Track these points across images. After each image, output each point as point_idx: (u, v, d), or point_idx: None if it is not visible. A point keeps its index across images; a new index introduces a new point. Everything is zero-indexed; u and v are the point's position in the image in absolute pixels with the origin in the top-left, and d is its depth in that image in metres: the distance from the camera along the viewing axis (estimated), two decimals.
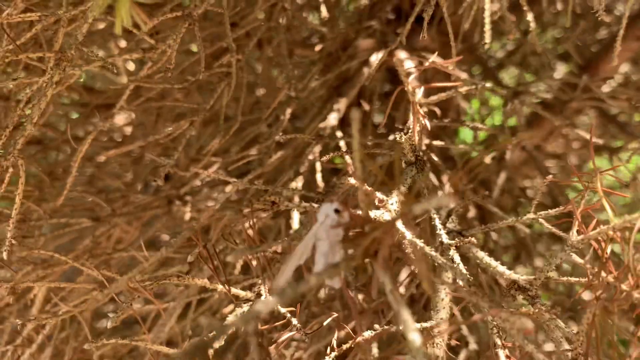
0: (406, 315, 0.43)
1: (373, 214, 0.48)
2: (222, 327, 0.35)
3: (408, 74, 0.52)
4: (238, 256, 0.48)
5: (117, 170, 1.27)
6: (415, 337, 0.41)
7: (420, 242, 0.46)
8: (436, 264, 0.58)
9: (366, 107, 1.26)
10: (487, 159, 1.27)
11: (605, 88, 1.29)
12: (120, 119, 1.34)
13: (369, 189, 0.50)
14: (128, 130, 1.32)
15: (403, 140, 0.66)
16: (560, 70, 1.48)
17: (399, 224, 0.43)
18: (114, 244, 1.02)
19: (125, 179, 1.25)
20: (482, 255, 0.78)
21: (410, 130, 0.64)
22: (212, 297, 0.81)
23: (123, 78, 1.35)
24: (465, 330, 0.75)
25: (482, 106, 1.52)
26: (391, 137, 1.05)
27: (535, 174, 1.51)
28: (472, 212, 1.24)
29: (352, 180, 0.60)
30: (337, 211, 0.48)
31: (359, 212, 0.46)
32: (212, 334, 0.34)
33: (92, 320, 0.94)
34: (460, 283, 0.52)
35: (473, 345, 0.79)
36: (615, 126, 1.28)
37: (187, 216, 1.16)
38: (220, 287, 0.60)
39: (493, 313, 0.42)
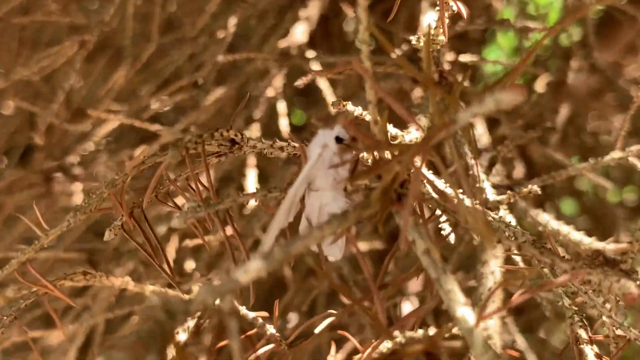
0: (451, 283, 0.45)
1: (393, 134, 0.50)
2: (185, 305, 0.37)
3: None
4: (187, 216, 0.49)
5: None
6: (466, 314, 0.44)
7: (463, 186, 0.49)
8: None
9: (349, 12, 1.28)
10: (539, 85, 1.31)
11: None
12: None
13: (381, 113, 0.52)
14: None
15: (421, 42, 0.68)
16: None
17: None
18: None
19: None
20: (547, 218, 0.83)
21: (434, 27, 0.66)
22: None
23: None
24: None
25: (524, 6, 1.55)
26: (398, 51, 1.08)
27: (611, 110, 1.57)
28: (518, 169, 1.29)
29: (350, 107, 0.62)
30: (339, 140, 0.49)
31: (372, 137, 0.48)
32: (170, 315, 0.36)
33: None
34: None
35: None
36: None
37: (79, 199, 1.16)
38: (152, 286, 0.61)
39: (579, 274, 0.44)
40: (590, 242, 0.74)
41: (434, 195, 0.53)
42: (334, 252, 0.55)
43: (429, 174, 0.63)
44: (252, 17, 1.31)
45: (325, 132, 0.50)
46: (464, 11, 0.59)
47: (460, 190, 0.51)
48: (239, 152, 0.58)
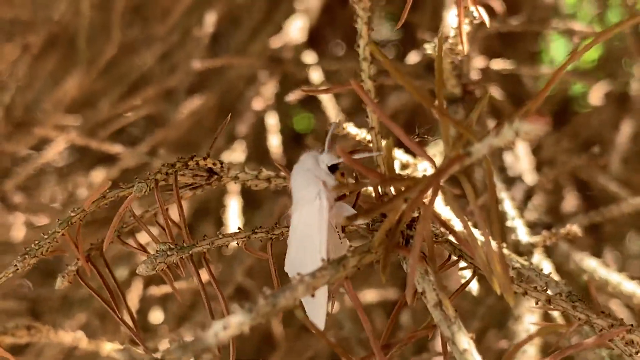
0: (466, 342, 0.50)
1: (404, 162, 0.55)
2: None
3: None
4: (156, 262, 0.53)
5: None
6: None
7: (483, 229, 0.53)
8: (511, 267, 0.65)
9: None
10: (594, 97, 1.35)
11: None
12: None
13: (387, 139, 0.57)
14: None
15: (437, 51, 0.73)
16: None
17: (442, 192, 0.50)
18: None
19: None
20: (593, 264, 0.87)
21: (453, 35, 0.71)
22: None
23: None
24: None
25: None
26: (413, 56, 1.13)
27: None
28: (570, 200, 1.33)
29: (352, 129, 0.66)
30: (333, 169, 0.54)
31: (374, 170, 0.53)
32: None
33: None
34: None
35: None
36: None
37: (19, 232, 1.21)
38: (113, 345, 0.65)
39: (614, 333, 0.49)
40: None
41: (451, 237, 0.58)
42: (316, 314, 0.57)
43: (446, 211, 0.67)
44: (237, 9, 1.35)
45: (311, 155, 0.55)
46: (486, 18, 0.64)
47: (478, 231, 0.55)
48: (217, 183, 0.62)
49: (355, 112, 1.15)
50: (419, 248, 0.48)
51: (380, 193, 0.57)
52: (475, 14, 0.65)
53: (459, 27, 0.66)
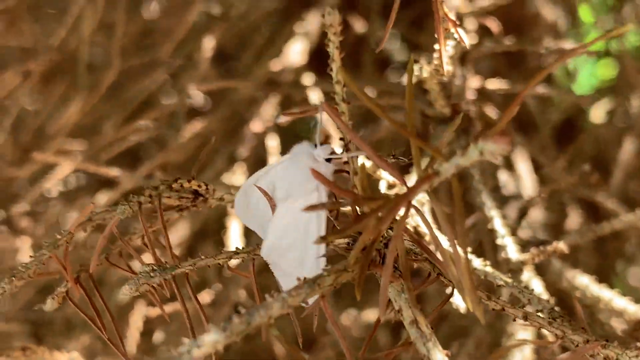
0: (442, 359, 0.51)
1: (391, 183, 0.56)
2: None
3: None
4: (139, 283, 0.55)
5: None
6: None
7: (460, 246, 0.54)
8: (496, 285, 0.66)
9: (358, 26, 1.35)
10: (596, 115, 1.36)
11: None
12: None
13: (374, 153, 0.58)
14: None
15: (424, 72, 0.75)
16: None
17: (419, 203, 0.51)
18: None
19: None
20: (585, 281, 0.88)
21: (435, 56, 0.72)
22: None
23: None
24: None
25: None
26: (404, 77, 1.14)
27: None
28: (573, 217, 1.33)
29: (337, 149, 0.68)
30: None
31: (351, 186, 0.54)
32: None
33: None
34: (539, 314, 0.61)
35: None
36: None
37: (26, 256, 1.23)
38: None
39: (588, 348, 0.50)
40: (636, 311, 0.79)
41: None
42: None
43: (431, 228, 0.68)
44: (239, 33, 1.37)
45: (303, 147, 0.57)
46: (466, 40, 0.65)
47: (449, 247, 0.56)
48: (203, 205, 0.64)
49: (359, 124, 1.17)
50: (391, 266, 0.49)
51: (358, 212, 0.58)
52: (456, 36, 0.66)
53: (439, 49, 0.67)
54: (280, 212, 0.60)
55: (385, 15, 1.50)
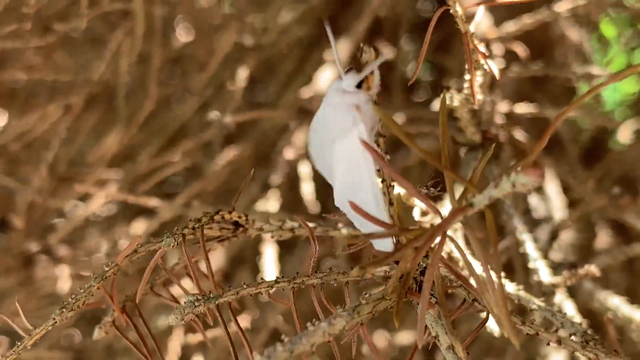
0: None
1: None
2: None
3: None
4: (184, 312, 0.57)
5: None
6: None
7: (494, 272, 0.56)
8: (529, 308, 0.68)
9: (387, 52, 1.37)
10: (623, 135, 1.37)
11: None
12: None
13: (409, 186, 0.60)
14: None
15: (455, 101, 0.77)
16: None
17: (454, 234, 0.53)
18: None
19: None
20: (617, 302, 0.89)
21: (466, 87, 0.74)
22: None
23: None
24: None
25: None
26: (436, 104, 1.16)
27: None
28: (602, 238, 1.34)
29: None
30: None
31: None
32: None
33: None
34: (573, 339, 0.62)
35: None
36: None
37: (65, 284, 1.25)
38: None
39: None
40: None
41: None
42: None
43: (465, 255, 0.70)
44: (268, 60, 1.40)
45: (332, 88, 0.58)
46: (496, 71, 0.67)
47: (482, 272, 0.58)
48: (243, 235, 0.66)
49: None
50: (427, 294, 0.51)
51: (394, 242, 0.60)
52: (486, 67, 0.68)
53: (470, 81, 0.69)
54: (335, 158, 0.61)
55: (412, 38, 1.52)
